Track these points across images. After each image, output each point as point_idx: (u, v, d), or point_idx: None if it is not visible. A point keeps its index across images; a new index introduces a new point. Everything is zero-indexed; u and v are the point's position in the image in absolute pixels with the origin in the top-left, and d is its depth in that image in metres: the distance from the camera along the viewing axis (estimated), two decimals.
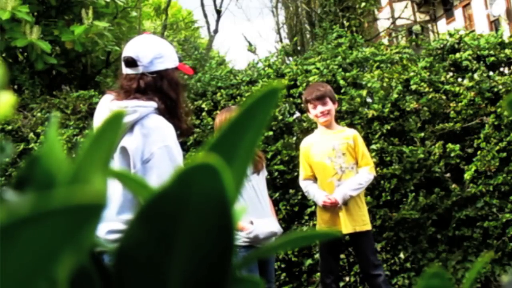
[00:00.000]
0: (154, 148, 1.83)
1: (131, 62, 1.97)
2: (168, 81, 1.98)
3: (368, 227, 3.14)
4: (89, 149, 0.33)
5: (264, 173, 3.06)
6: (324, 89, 3.16)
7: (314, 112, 3.17)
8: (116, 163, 1.85)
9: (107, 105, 1.96)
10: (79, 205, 0.24)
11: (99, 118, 2.00)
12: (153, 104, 1.91)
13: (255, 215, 2.90)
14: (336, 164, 3.12)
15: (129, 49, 2.00)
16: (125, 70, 2.00)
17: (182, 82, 2.07)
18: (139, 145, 1.83)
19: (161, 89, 1.96)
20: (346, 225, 3.07)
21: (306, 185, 3.22)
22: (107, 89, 2.28)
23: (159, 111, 1.92)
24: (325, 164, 3.13)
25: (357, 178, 3.10)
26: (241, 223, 2.74)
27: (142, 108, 1.88)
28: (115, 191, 1.82)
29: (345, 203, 3.09)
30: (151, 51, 1.98)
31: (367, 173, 3.12)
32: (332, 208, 3.10)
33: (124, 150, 1.84)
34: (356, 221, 3.09)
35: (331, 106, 3.15)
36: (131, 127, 1.86)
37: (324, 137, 3.17)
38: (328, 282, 3.16)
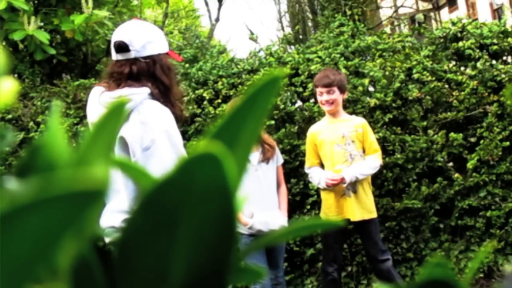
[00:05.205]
0: (154, 134, 1.79)
1: (123, 47, 1.92)
2: (161, 66, 1.94)
3: (375, 214, 3.17)
4: (91, 138, 0.33)
5: (274, 162, 3.05)
6: (334, 78, 3.12)
7: (319, 98, 3.17)
8: (116, 155, 1.82)
9: (98, 98, 1.91)
10: (81, 191, 0.24)
11: (92, 112, 1.95)
12: (146, 90, 1.87)
13: (256, 207, 2.89)
14: (346, 152, 3.12)
15: (120, 34, 1.95)
16: (116, 56, 1.95)
17: (173, 68, 2.03)
18: (138, 133, 1.79)
19: (154, 74, 1.92)
20: (355, 213, 3.07)
21: (310, 172, 3.22)
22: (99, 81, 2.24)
23: (153, 96, 1.88)
24: (335, 151, 3.12)
25: (367, 162, 3.11)
26: (241, 215, 2.73)
27: (136, 95, 1.84)
28: (128, 181, 1.79)
29: (355, 190, 3.09)
30: (143, 35, 1.94)
31: (375, 160, 3.13)
32: (340, 194, 3.10)
33: (122, 140, 1.79)
34: (365, 209, 3.12)
35: (337, 96, 3.12)
36: (127, 115, 1.81)
37: (333, 124, 3.17)
38: (330, 271, 3.16)
